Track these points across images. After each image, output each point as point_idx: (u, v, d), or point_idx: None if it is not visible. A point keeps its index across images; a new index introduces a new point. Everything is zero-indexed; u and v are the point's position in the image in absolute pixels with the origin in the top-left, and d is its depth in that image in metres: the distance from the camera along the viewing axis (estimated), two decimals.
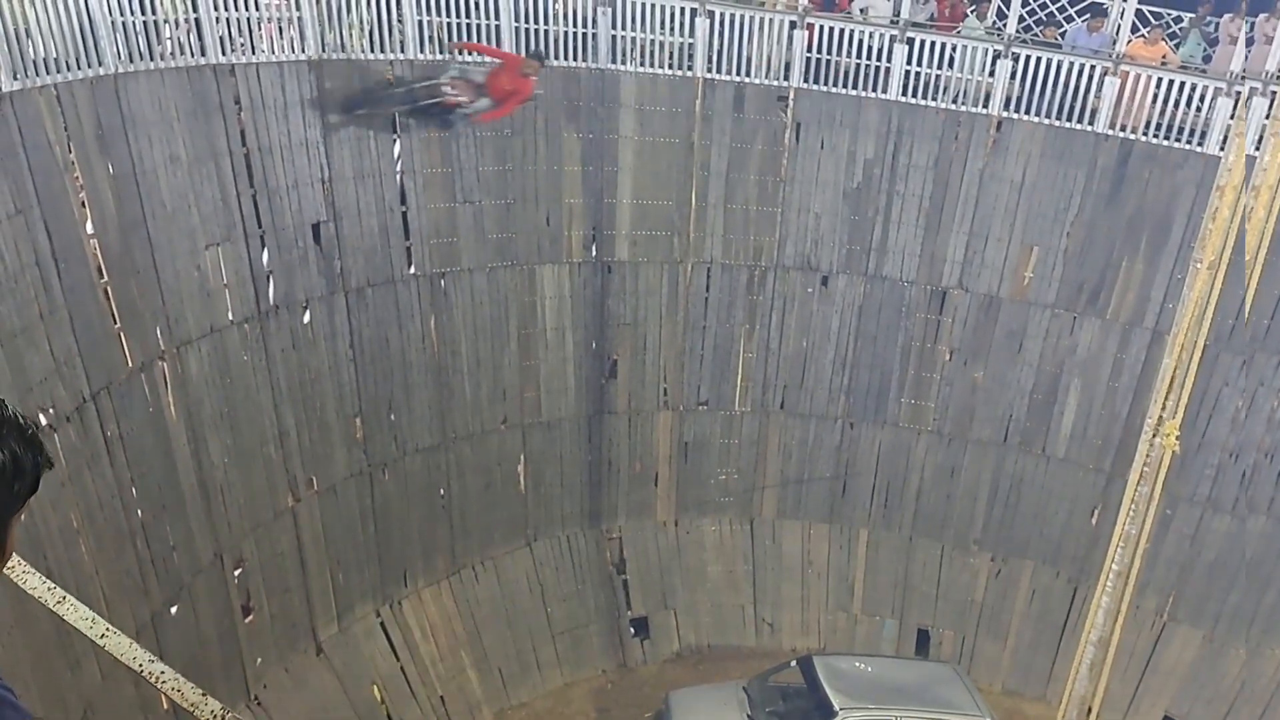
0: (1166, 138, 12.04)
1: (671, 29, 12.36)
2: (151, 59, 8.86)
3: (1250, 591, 12.78)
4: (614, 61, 12.22)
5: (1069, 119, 12.23)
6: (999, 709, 12.11)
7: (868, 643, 14.15)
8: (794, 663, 12.08)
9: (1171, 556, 12.90)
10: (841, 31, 12.41)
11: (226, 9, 9.50)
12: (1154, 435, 8.28)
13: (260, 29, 9.98)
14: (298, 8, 10.16)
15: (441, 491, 12.52)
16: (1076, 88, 12.11)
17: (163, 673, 2.74)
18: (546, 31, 11.77)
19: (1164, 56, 12.60)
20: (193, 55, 9.27)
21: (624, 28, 12.15)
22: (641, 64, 12.35)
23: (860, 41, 12.47)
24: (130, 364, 8.70)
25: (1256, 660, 12.84)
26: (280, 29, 10.27)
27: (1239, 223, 7.94)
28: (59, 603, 2.93)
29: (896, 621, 14.26)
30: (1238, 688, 12.86)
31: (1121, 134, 12.14)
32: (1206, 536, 12.86)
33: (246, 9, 9.68)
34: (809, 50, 12.50)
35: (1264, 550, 12.60)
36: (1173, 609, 13.21)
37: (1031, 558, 13.80)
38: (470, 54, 11.17)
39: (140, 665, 2.81)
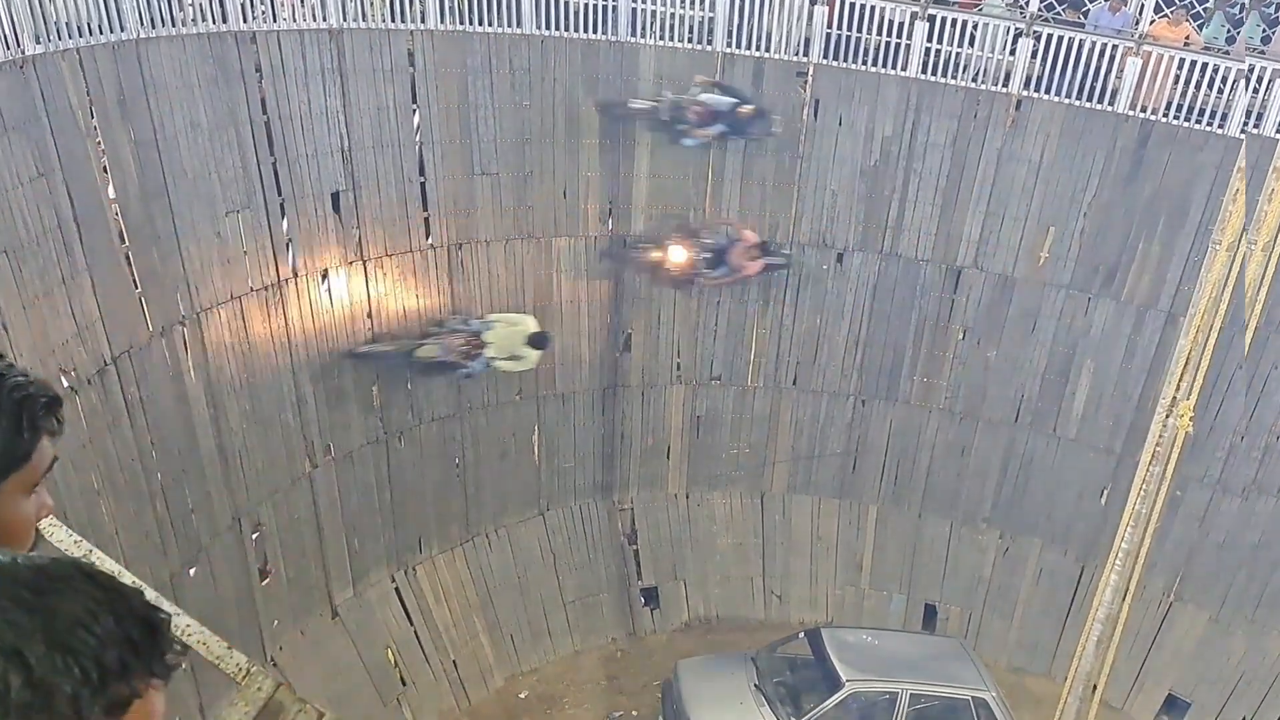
0: (1187, 119, 11.96)
1: (692, 2, 12.31)
2: (173, 25, 8.92)
3: (1257, 573, 12.82)
4: (634, 35, 12.19)
5: (1089, 99, 12.16)
6: (1004, 685, 12.19)
7: (875, 617, 14.25)
8: (802, 634, 12.18)
9: (1180, 537, 12.93)
10: (862, 7, 12.34)
11: None
12: (1167, 415, 8.32)
13: None
14: None
15: (456, 461, 12.63)
16: (1098, 68, 12.04)
17: (188, 625, 2.84)
18: (567, 3, 11.75)
19: (1187, 37, 12.51)
20: (214, 22, 9.32)
21: (644, 0, 12.12)
22: (661, 37, 12.32)
23: (881, 18, 12.41)
24: (150, 329, 8.82)
25: (1261, 641, 12.88)
26: None
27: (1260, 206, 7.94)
28: (86, 555, 3.04)
29: (904, 597, 14.36)
30: (1242, 668, 12.92)
31: (1142, 115, 12.06)
32: (1215, 518, 12.89)
33: None
34: (829, 26, 12.44)
35: (1272, 532, 12.63)
36: (1179, 589, 13.25)
37: (1040, 536, 13.85)
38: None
39: None
